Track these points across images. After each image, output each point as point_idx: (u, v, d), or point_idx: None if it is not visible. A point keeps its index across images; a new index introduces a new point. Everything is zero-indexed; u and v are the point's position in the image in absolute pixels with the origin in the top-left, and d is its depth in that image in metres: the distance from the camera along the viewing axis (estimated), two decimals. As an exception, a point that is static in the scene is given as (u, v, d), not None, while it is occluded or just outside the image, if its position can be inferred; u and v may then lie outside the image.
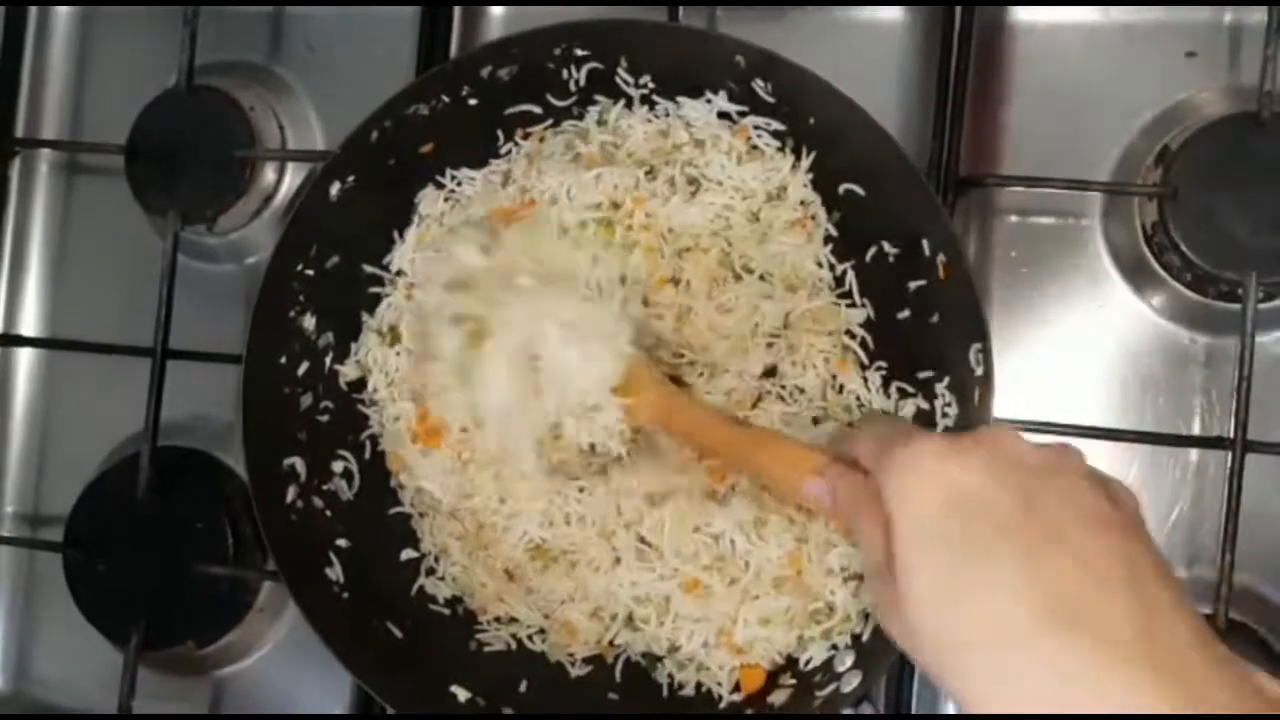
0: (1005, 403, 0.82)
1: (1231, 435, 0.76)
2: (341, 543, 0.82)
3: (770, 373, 0.78)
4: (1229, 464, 0.75)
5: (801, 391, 0.78)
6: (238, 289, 0.96)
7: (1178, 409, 0.82)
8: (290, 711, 0.93)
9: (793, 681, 0.77)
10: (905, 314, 0.77)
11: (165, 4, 0.96)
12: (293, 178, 0.96)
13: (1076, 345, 0.83)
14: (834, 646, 0.77)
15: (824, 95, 0.75)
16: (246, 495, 0.81)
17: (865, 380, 0.78)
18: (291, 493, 0.82)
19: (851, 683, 0.74)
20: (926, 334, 0.76)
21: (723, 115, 0.80)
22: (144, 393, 0.89)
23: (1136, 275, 0.83)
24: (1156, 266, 0.81)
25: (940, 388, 0.76)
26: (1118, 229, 0.83)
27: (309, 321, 0.83)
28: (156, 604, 0.90)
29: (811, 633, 0.77)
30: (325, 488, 0.83)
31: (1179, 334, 0.82)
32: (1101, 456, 0.82)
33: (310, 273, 0.82)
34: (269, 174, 0.95)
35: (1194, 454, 0.81)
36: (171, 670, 0.94)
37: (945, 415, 0.76)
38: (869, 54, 0.86)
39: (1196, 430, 0.81)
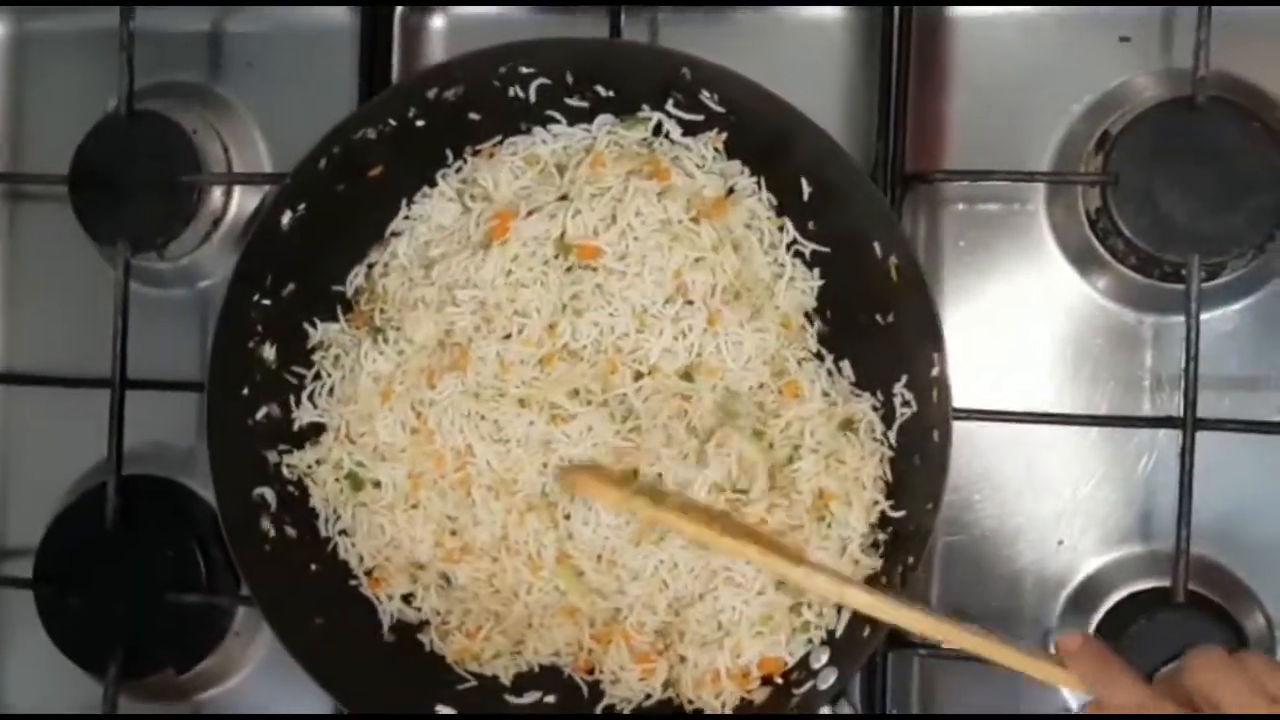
0: (959, 392, 0.83)
1: (1181, 414, 0.78)
2: (315, 568, 0.83)
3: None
4: (1180, 442, 0.77)
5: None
6: (192, 314, 0.96)
7: (1128, 390, 0.84)
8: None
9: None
10: (859, 315, 0.79)
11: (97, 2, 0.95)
12: (241, 199, 0.95)
13: (1026, 332, 0.85)
14: (809, 642, 0.78)
15: (770, 105, 0.76)
16: (215, 520, 0.82)
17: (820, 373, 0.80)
18: (264, 522, 0.82)
19: (828, 679, 0.76)
20: (881, 334, 0.78)
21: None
22: (103, 423, 0.89)
23: (1082, 260, 0.84)
24: (1101, 250, 0.82)
25: (898, 387, 0.78)
26: (1062, 215, 0.84)
27: (269, 352, 0.83)
28: (132, 634, 0.90)
29: (797, 623, 0.78)
30: (299, 515, 0.83)
31: (1126, 316, 0.84)
32: (1056, 439, 0.84)
33: (267, 303, 0.82)
34: (217, 196, 0.94)
35: (1146, 433, 0.83)
36: (151, 697, 0.94)
37: (903, 414, 0.78)
38: (810, 55, 0.87)
39: (1147, 410, 0.83)
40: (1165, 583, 0.78)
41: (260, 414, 0.83)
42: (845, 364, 0.80)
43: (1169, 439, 0.81)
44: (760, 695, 0.79)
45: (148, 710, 0.94)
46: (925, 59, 0.85)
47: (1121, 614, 0.80)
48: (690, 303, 0.79)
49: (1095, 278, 0.84)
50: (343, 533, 0.84)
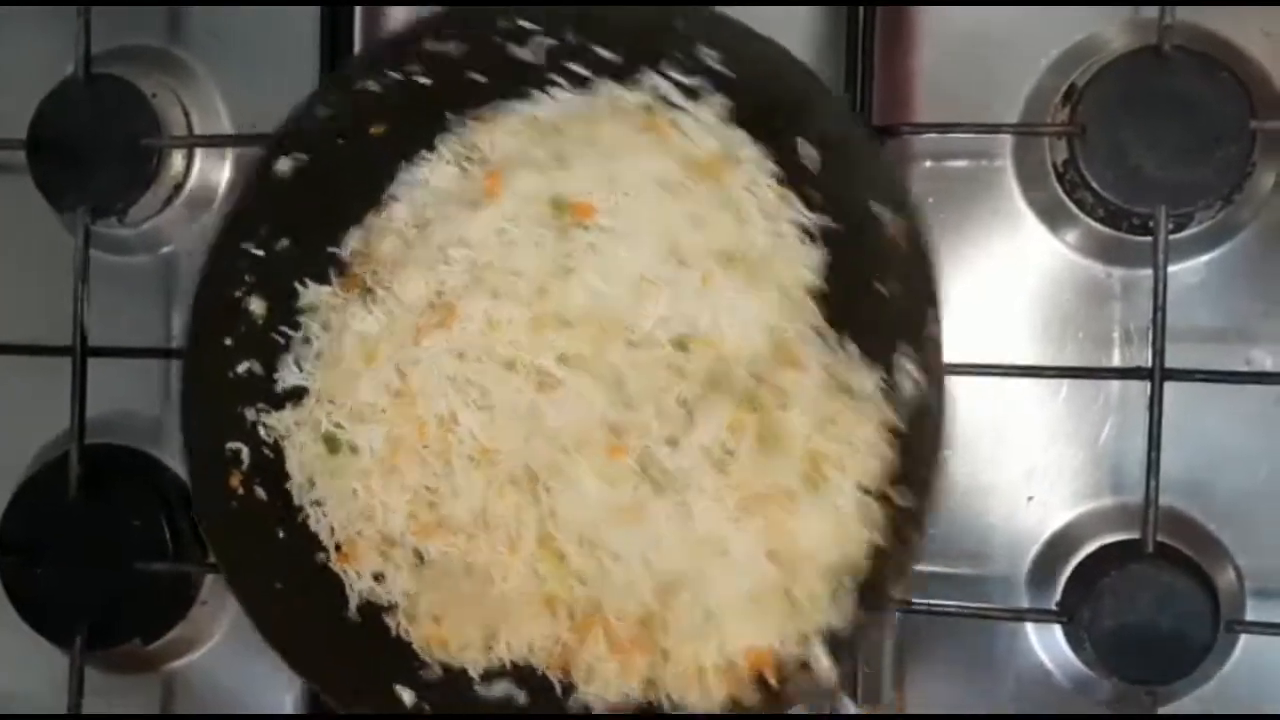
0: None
1: (1150, 365, 0.77)
2: (283, 535, 0.80)
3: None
4: (1149, 393, 0.77)
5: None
6: (153, 280, 0.95)
7: (1097, 342, 0.83)
8: (243, 702, 0.93)
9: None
10: (861, 287, 0.75)
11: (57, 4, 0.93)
12: (203, 163, 0.94)
13: (995, 286, 0.84)
14: (803, 635, 0.74)
15: (778, 65, 0.74)
16: (182, 489, 0.81)
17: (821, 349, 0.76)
18: (234, 479, 0.79)
19: (825, 676, 0.73)
20: (883, 305, 0.75)
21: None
22: (65, 392, 0.88)
23: (1050, 213, 0.84)
24: (1069, 204, 0.82)
25: (901, 359, 0.74)
26: (1030, 170, 0.84)
27: (256, 305, 0.80)
28: (98, 604, 0.89)
29: (788, 608, 0.75)
30: (271, 478, 0.80)
31: (1095, 269, 0.84)
32: (1026, 394, 0.84)
33: (259, 253, 0.79)
34: (178, 161, 0.93)
35: (1115, 385, 0.83)
36: (119, 668, 0.93)
37: (907, 387, 0.74)
38: (778, 9, 0.86)
39: (1116, 362, 0.83)
40: (1135, 535, 0.78)
41: (241, 368, 0.80)
42: (847, 340, 0.76)
43: (1138, 392, 0.80)
44: (751, 696, 0.74)
45: (115, 681, 0.93)
46: (893, 14, 0.85)
47: (1091, 567, 0.80)
48: (686, 265, 0.76)
49: (1064, 232, 0.84)
50: (315, 503, 0.81)
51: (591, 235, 0.77)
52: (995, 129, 0.83)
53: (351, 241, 0.82)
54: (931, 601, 0.83)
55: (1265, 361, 0.81)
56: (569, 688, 0.77)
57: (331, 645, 0.79)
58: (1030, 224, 0.84)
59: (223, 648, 0.94)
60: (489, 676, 0.79)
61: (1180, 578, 0.77)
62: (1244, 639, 0.81)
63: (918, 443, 0.74)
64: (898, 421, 0.75)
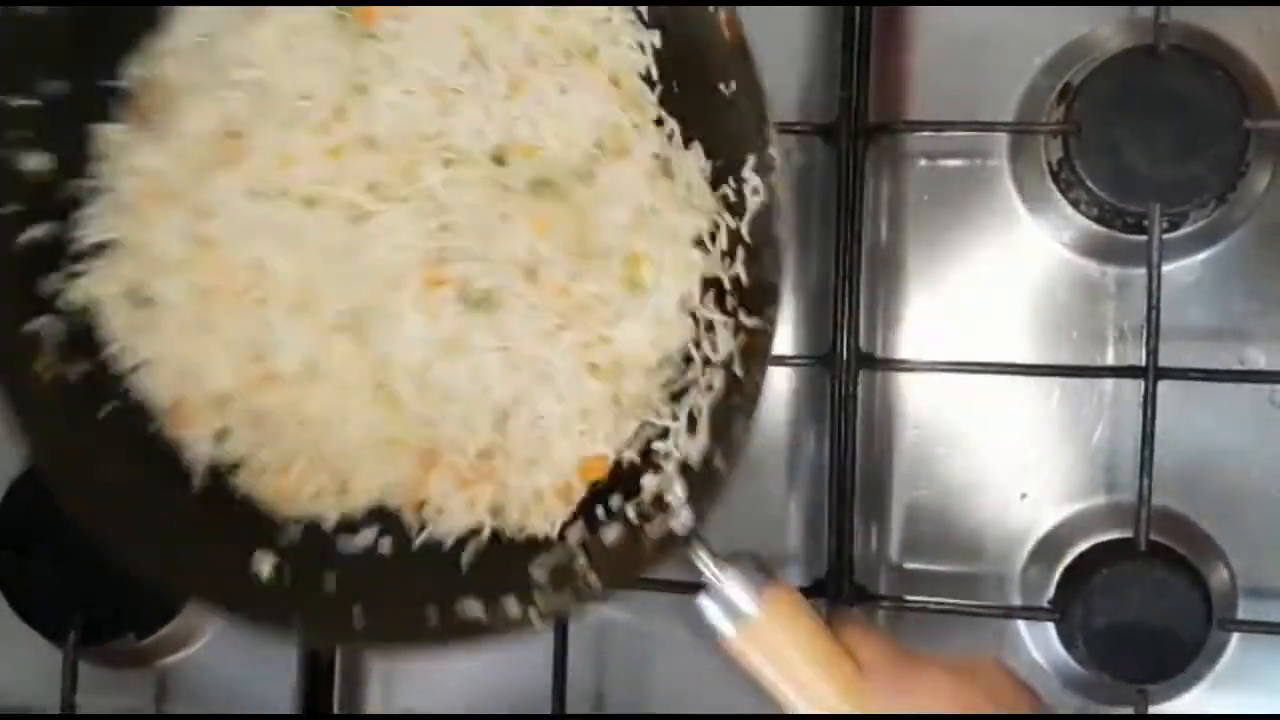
0: (924, 345, 0.84)
1: (1144, 364, 0.78)
2: (108, 410, 0.70)
3: None
4: (1143, 391, 0.77)
5: None
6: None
7: (1092, 340, 0.84)
8: (238, 698, 0.92)
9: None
10: (703, 85, 0.66)
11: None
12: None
13: (991, 284, 0.85)
14: (659, 468, 0.68)
15: None
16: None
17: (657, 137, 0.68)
18: (39, 362, 0.69)
19: (682, 519, 0.66)
20: (726, 107, 0.66)
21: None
22: (61, 386, 0.88)
23: (1045, 212, 0.84)
24: (1064, 202, 0.82)
25: (746, 170, 0.66)
26: (1025, 169, 0.84)
27: (39, 161, 0.69)
28: (92, 600, 0.89)
29: (617, 413, 0.69)
30: (87, 350, 0.71)
31: (1089, 267, 0.84)
32: (1020, 392, 0.84)
33: (33, 103, 0.68)
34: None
35: (1109, 383, 0.83)
36: (114, 663, 0.93)
37: (755, 201, 0.65)
38: (773, 8, 0.86)
39: (1110, 360, 0.83)
40: (1127, 533, 0.78)
41: (31, 235, 0.69)
42: (691, 137, 0.68)
43: (1132, 390, 0.81)
44: (612, 533, 0.68)
45: (109, 677, 0.93)
46: (889, 14, 0.85)
47: (1084, 565, 0.80)
48: (489, 69, 0.67)
49: (1058, 230, 0.84)
50: (137, 368, 0.71)
51: (383, 45, 0.68)
52: (990, 127, 0.83)
53: (134, 71, 0.70)
54: (924, 599, 0.83)
55: (1259, 360, 0.82)
56: (423, 527, 0.71)
57: (177, 523, 0.70)
58: (1025, 223, 0.85)
59: (217, 643, 0.93)
60: (347, 527, 0.72)
61: (1173, 576, 0.77)
62: (1236, 637, 0.81)
63: (759, 264, 0.66)
64: (733, 222, 0.67)
